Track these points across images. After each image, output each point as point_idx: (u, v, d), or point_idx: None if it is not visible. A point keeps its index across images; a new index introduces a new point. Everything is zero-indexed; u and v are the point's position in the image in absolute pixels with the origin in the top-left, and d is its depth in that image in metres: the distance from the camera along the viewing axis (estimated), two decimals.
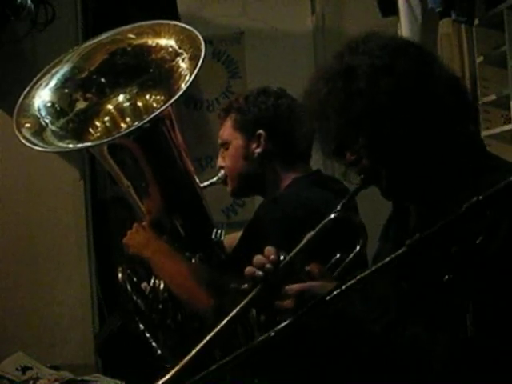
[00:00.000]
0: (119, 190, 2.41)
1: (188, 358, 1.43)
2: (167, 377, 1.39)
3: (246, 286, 1.61)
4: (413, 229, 1.67)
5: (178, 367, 1.42)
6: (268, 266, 1.60)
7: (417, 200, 1.69)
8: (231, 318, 1.53)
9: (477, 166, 1.61)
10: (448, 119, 1.60)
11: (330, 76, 1.62)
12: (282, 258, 1.63)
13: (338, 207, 1.68)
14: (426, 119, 1.57)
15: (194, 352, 1.44)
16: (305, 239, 1.66)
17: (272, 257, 1.61)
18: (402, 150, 1.59)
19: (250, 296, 1.58)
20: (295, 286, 1.61)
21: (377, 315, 1.60)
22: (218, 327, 1.49)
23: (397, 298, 1.64)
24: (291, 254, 1.63)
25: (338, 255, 1.76)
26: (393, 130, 1.57)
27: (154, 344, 2.32)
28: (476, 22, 3.81)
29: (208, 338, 1.47)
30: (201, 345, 1.45)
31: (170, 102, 2.18)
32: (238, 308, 1.55)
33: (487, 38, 3.86)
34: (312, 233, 1.66)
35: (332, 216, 1.67)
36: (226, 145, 2.38)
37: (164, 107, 2.21)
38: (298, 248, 1.65)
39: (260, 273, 1.60)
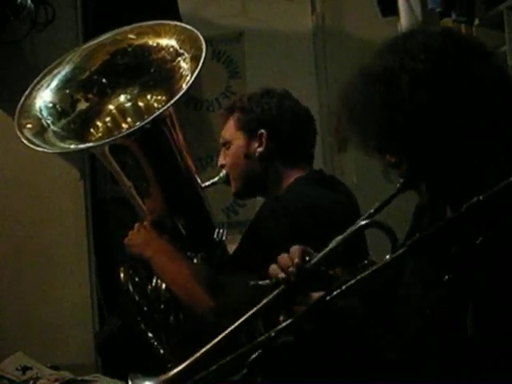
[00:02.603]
0: (119, 189, 2.42)
1: (201, 352, 1.43)
2: (179, 368, 1.39)
3: (267, 281, 1.59)
4: None
5: (189, 361, 1.42)
6: (291, 269, 1.56)
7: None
8: (249, 316, 1.52)
9: None
10: (493, 130, 1.50)
11: (370, 79, 1.54)
12: (307, 258, 1.59)
13: (372, 211, 1.61)
14: (468, 130, 1.48)
15: (208, 347, 1.44)
16: (333, 243, 1.60)
17: (296, 260, 1.57)
18: (443, 159, 1.52)
19: (270, 297, 1.56)
20: (317, 296, 1.57)
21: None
22: (234, 325, 1.49)
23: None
24: (316, 259, 1.59)
25: (366, 261, 1.73)
26: (433, 139, 1.49)
27: (155, 344, 2.32)
28: (476, 22, 3.80)
29: (223, 335, 1.46)
30: (216, 340, 1.45)
31: (172, 102, 2.18)
32: (256, 307, 1.54)
33: (487, 38, 3.86)
34: (341, 237, 1.61)
35: (363, 222, 1.60)
36: (227, 144, 2.38)
37: (165, 107, 2.21)
38: (324, 252, 1.60)
39: (283, 275, 1.57)
